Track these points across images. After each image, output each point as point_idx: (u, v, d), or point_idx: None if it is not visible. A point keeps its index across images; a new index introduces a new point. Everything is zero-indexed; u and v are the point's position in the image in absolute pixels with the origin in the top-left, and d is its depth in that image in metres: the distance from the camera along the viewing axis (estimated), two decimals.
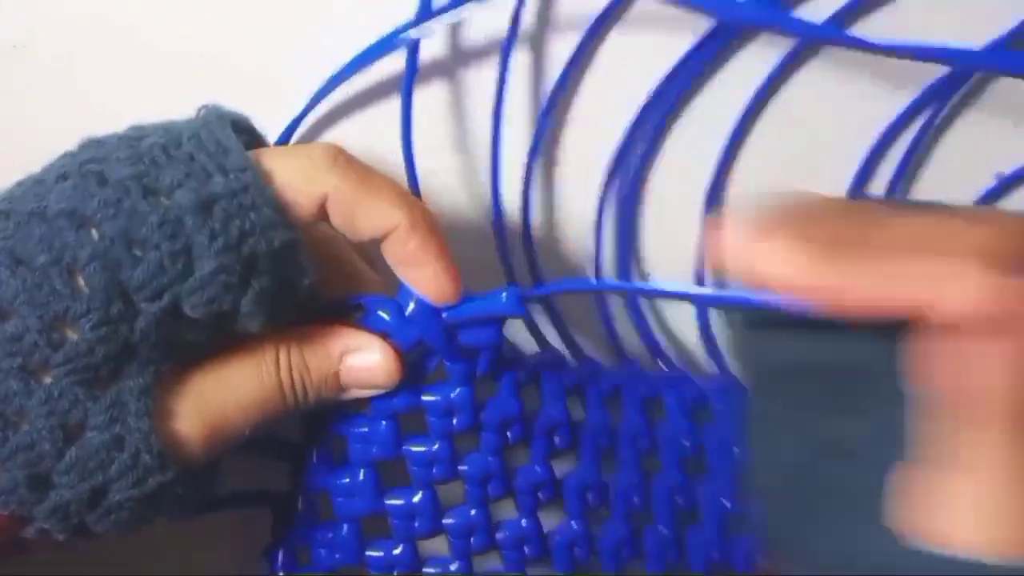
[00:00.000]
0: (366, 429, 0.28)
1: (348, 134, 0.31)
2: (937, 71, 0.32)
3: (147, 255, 0.22)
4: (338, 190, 0.25)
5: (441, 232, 0.26)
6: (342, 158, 0.25)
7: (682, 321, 0.35)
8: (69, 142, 0.28)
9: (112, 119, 0.29)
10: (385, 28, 0.29)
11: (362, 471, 0.28)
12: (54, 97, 0.29)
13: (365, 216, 0.25)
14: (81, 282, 0.22)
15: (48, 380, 0.22)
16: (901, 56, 0.27)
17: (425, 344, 0.27)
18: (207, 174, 0.23)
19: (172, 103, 0.29)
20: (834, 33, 0.31)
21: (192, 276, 0.23)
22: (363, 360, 0.27)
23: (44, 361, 0.22)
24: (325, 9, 0.30)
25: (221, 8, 0.29)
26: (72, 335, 0.22)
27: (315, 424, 0.29)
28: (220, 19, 0.29)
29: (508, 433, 0.28)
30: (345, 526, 0.28)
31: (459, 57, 0.31)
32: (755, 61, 0.33)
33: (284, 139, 0.29)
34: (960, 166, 0.34)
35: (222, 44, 0.29)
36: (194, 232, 0.23)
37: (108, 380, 0.23)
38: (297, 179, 0.25)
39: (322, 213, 0.25)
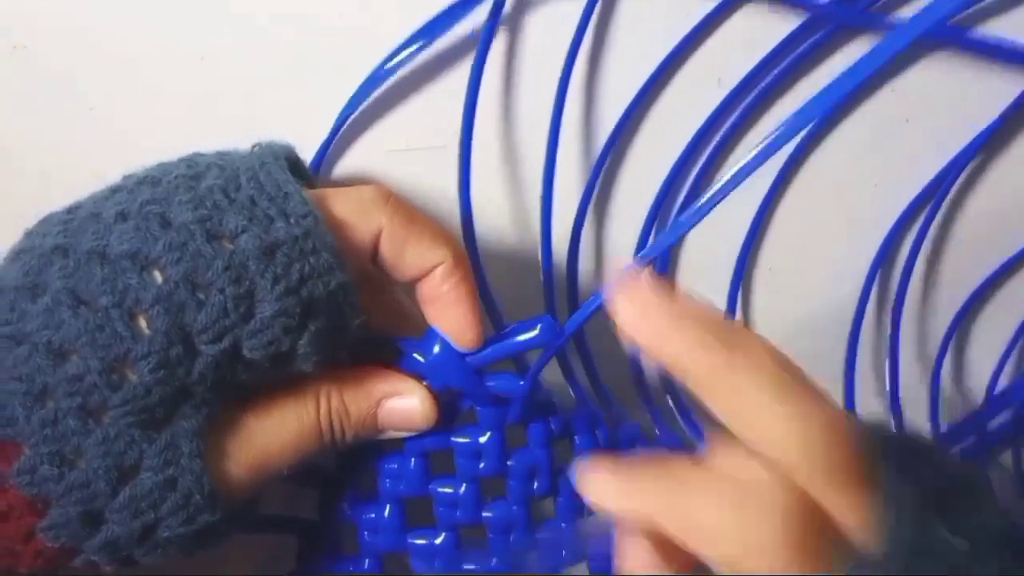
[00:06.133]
0: (396, 466, 0.29)
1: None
2: None
3: (211, 298, 0.23)
4: (391, 226, 0.26)
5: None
6: (392, 198, 0.26)
7: None
8: (68, 143, 0.29)
9: (112, 120, 0.29)
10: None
11: (388, 506, 0.29)
12: (54, 98, 0.28)
13: (414, 252, 0.26)
14: (143, 324, 0.22)
15: (106, 421, 0.22)
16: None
17: (453, 387, 0.28)
18: (269, 219, 0.24)
19: (172, 104, 0.29)
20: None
21: (253, 319, 0.23)
22: (402, 403, 0.27)
23: (103, 402, 0.22)
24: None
25: (221, 8, 0.29)
26: (131, 377, 0.22)
27: (348, 456, 0.29)
28: (220, 20, 0.29)
29: (535, 484, 0.29)
30: (367, 560, 0.29)
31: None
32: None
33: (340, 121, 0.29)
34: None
35: (221, 44, 0.29)
36: (257, 276, 0.23)
37: (163, 422, 0.23)
38: (353, 217, 0.25)
39: (374, 251, 0.26)
